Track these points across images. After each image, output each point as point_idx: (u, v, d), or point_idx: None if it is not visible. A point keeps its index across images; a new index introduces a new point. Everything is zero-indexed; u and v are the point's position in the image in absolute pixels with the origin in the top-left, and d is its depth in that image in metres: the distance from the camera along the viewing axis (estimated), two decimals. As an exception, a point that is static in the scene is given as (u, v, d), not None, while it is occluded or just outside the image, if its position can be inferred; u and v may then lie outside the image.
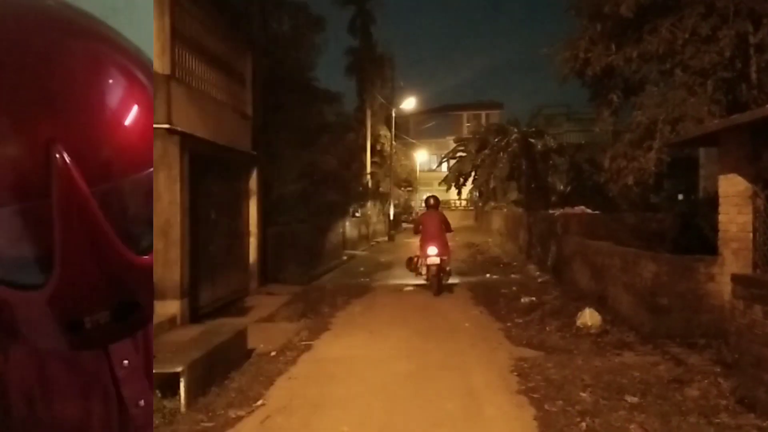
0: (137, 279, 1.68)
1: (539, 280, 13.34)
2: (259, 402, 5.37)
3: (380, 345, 7.66)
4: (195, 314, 9.01)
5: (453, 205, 44.12)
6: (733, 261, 6.40)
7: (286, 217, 15.27)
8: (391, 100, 33.68)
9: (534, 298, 10.40)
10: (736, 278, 5.27)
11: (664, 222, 11.27)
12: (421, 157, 48.04)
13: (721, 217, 6.52)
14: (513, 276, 14.31)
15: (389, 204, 32.27)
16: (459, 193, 29.00)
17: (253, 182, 12.35)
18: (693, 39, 9.41)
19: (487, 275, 14.55)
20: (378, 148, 33.15)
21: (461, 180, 26.89)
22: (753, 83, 9.28)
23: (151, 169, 1.64)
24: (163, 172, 8.39)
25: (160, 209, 8.38)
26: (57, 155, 1.44)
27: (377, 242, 28.08)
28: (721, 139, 6.52)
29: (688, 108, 9.45)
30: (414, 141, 46.21)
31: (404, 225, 37.17)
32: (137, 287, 1.71)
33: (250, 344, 7.15)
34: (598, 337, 7.49)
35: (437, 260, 11.58)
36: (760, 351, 4.64)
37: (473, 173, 26.01)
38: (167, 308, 8.33)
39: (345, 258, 20.07)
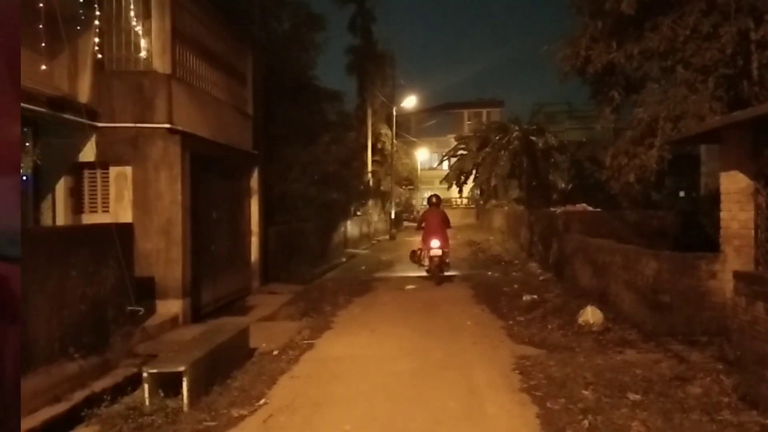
0: None
1: (541, 278, 13.33)
2: (262, 401, 5.38)
3: (382, 344, 7.67)
4: (197, 313, 9.02)
5: (454, 203, 44.14)
6: (735, 258, 6.40)
7: (288, 216, 15.29)
8: (392, 99, 33.69)
9: (535, 296, 10.40)
10: (738, 275, 5.27)
11: (666, 219, 11.29)
12: (422, 155, 48.06)
13: (723, 214, 6.52)
14: (514, 274, 14.31)
15: (390, 203, 32.27)
16: (460, 192, 29.10)
17: (254, 181, 12.36)
18: (694, 36, 9.38)
19: (489, 273, 14.55)
20: (379, 146, 33.16)
21: (462, 178, 26.92)
22: (754, 80, 9.26)
23: (18, 176, 1.53)
24: (164, 171, 8.41)
25: (162, 209, 8.40)
26: None
27: (378, 241, 28.08)
28: (723, 136, 6.52)
29: (689, 105, 9.43)
30: (415, 139, 46.21)
31: (405, 224, 37.18)
32: None
33: (252, 343, 7.16)
34: (599, 335, 7.49)
35: (439, 252, 13.05)
36: (763, 348, 4.64)
37: (474, 171, 26.04)
38: (169, 307, 8.34)
39: (346, 257, 20.07)
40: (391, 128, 33.51)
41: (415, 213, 38.64)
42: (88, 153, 8.25)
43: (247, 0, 13.37)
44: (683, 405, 4.82)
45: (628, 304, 8.26)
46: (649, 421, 4.53)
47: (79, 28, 7.73)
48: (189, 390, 5.10)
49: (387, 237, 29.73)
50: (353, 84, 32.38)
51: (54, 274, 5.74)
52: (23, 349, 5.12)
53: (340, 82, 62.53)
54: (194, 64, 9.63)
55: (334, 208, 19.72)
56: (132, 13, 8.19)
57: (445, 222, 13.53)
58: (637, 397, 5.07)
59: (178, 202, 8.49)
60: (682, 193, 15.79)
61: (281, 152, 15.32)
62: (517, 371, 6.12)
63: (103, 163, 8.43)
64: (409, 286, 12.77)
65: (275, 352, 7.11)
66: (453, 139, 32.58)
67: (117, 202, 8.44)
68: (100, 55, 8.07)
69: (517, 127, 24.90)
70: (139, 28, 8.24)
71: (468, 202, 43.62)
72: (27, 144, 7.21)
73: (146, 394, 5.09)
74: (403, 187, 39.39)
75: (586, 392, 5.27)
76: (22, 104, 6.67)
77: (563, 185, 23.87)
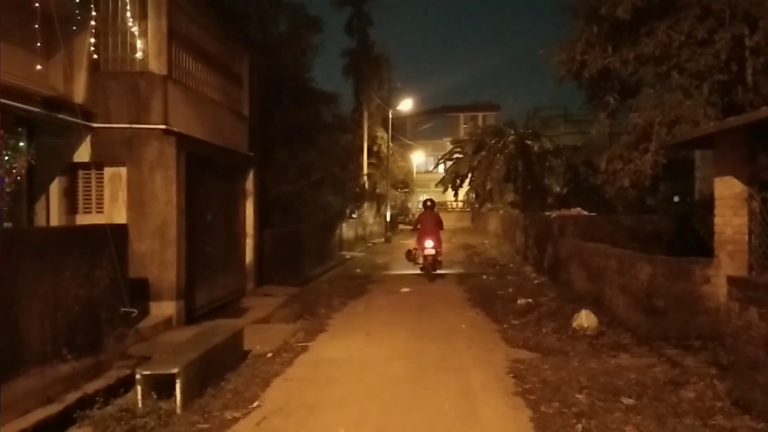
0: None
1: (535, 281, 13.36)
2: (255, 403, 5.36)
3: (377, 346, 7.66)
4: (191, 315, 8.99)
5: (450, 206, 44.14)
6: (728, 263, 6.42)
7: (283, 219, 15.27)
8: (388, 102, 33.73)
9: (530, 300, 10.41)
10: (731, 280, 5.28)
11: (660, 224, 11.30)
12: (418, 158, 48.09)
13: (717, 220, 6.54)
14: (509, 277, 14.33)
15: (386, 205, 32.26)
16: (456, 195, 29.03)
17: (249, 183, 12.33)
18: (689, 41, 9.44)
19: (484, 277, 14.57)
20: (375, 149, 33.18)
21: (458, 181, 26.91)
22: (749, 86, 9.31)
23: None
24: (160, 172, 8.38)
25: (157, 210, 8.37)
26: None
27: (374, 243, 28.07)
28: (717, 142, 6.54)
29: (684, 110, 9.48)
30: (411, 142, 46.24)
31: (401, 226, 37.17)
32: None
33: (247, 345, 7.13)
34: (594, 339, 7.50)
35: (432, 251, 14.39)
36: (756, 353, 4.65)
37: (470, 175, 26.03)
38: (163, 309, 8.31)
39: (342, 259, 20.05)
40: (387, 131, 33.54)
41: (410, 216, 38.65)
42: (83, 153, 8.21)
43: (244, 2, 13.38)
44: (677, 409, 4.83)
45: (622, 309, 8.28)
46: (643, 426, 4.54)
47: (75, 28, 7.70)
48: (182, 392, 5.08)
49: (382, 240, 29.73)
50: (349, 86, 32.49)
51: (47, 275, 5.70)
52: (16, 350, 5.09)
53: (336, 85, 62.65)
54: (190, 65, 9.62)
55: (330, 211, 19.72)
56: (128, 14, 8.17)
57: (439, 224, 14.82)
58: (631, 401, 5.08)
59: (173, 203, 8.46)
60: (676, 198, 15.82)
61: (277, 154, 15.31)
62: (512, 375, 6.13)
63: (98, 163, 8.40)
64: (404, 289, 12.77)
65: (269, 355, 7.09)
66: (449, 143, 32.56)
67: (111, 203, 8.40)
68: (95, 56, 8.03)
69: (512, 131, 24.93)
70: (135, 29, 8.22)
71: (463, 205, 43.60)
72: (21, 144, 7.17)
73: (139, 396, 5.07)
74: (399, 189, 39.41)
75: (580, 396, 5.28)
76: (17, 104, 6.66)
77: (558, 189, 23.90)
